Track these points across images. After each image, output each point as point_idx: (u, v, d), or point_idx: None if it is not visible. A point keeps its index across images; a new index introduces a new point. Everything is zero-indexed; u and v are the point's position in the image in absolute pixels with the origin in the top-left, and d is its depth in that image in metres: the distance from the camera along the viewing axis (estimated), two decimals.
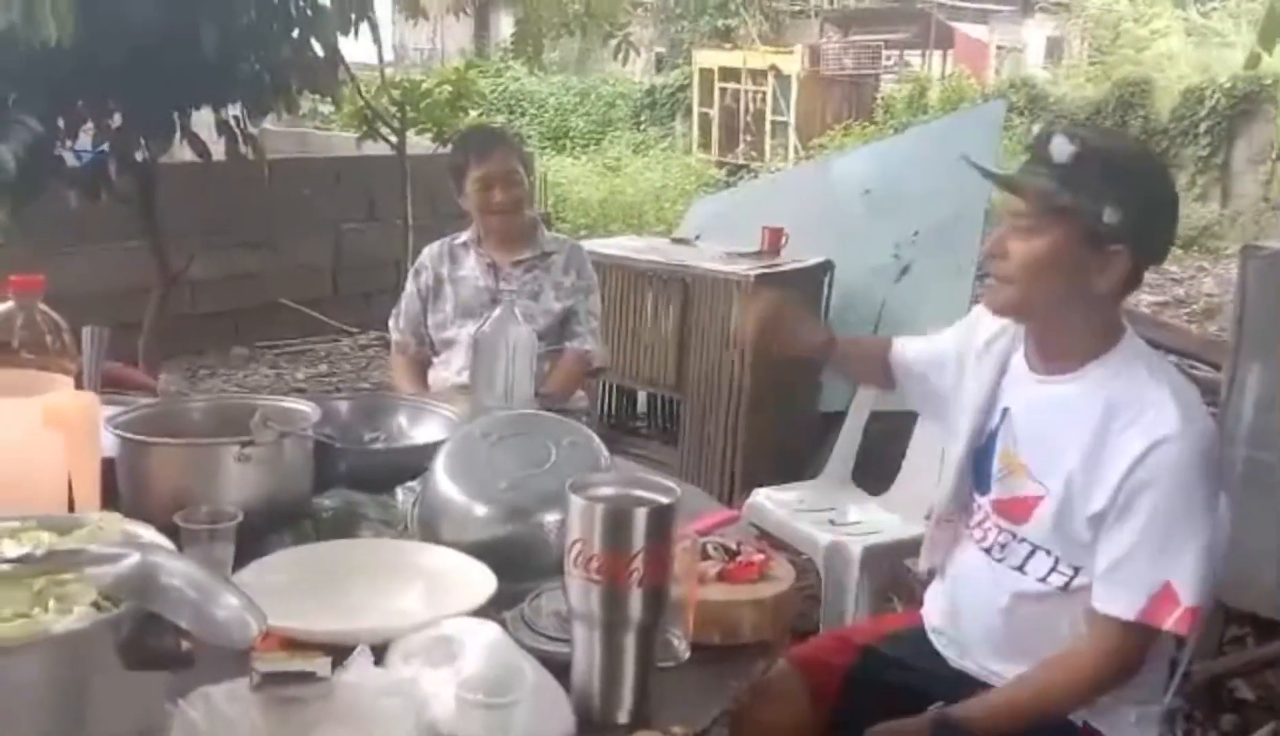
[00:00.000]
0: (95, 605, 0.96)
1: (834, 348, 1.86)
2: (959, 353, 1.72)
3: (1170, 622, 1.41)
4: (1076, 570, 1.50)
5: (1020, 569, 1.54)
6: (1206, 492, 1.43)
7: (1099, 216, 1.44)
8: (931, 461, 2.63)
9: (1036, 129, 1.71)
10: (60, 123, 3.57)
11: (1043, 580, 1.52)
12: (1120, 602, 1.43)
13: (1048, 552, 1.52)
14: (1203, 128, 12.50)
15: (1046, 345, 1.56)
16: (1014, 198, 1.51)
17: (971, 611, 1.61)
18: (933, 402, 1.80)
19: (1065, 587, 1.50)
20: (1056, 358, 1.54)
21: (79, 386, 1.61)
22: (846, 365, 2.04)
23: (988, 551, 1.58)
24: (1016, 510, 1.54)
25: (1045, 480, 1.51)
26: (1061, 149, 1.46)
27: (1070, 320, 1.52)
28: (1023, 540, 1.54)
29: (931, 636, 1.70)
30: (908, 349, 1.84)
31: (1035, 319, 1.55)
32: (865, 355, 1.98)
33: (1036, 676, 1.50)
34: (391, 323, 2.92)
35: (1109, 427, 1.46)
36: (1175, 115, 12.89)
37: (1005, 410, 1.59)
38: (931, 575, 1.75)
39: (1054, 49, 20.67)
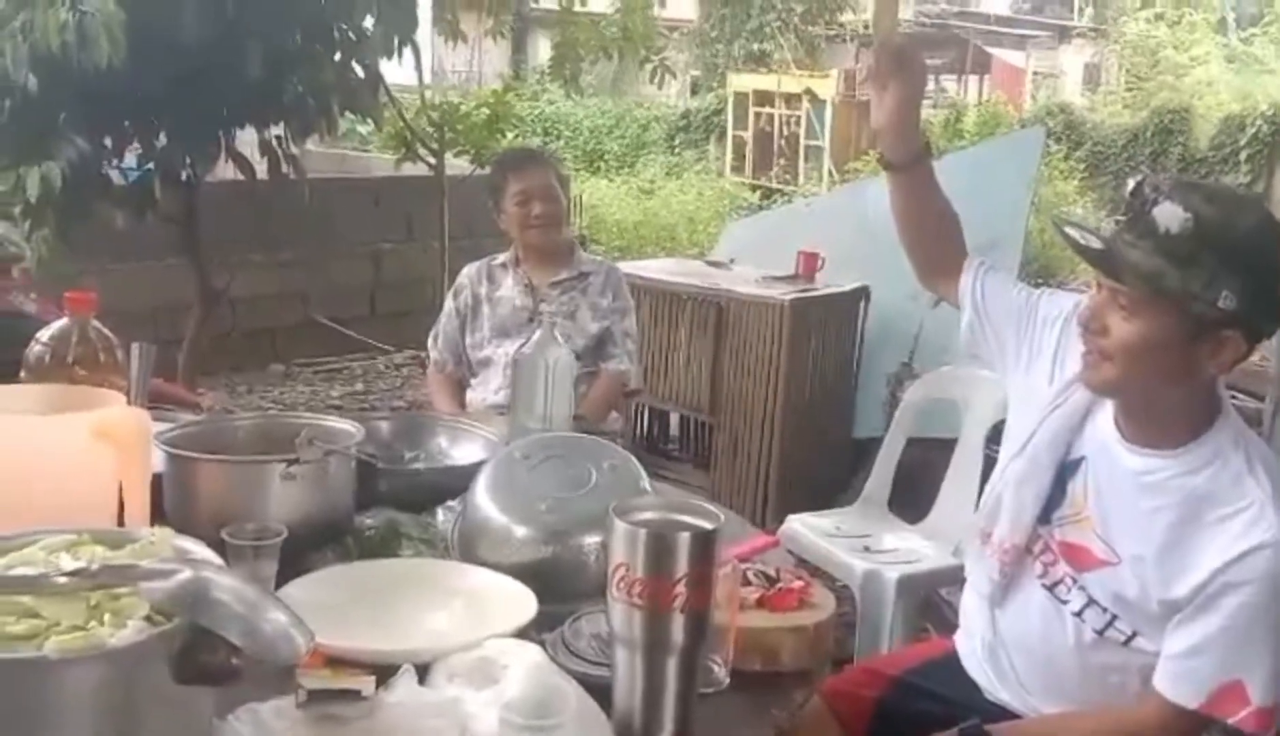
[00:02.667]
0: (148, 619, 0.97)
1: (920, 158, 1.62)
2: (1018, 333, 1.60)
3: (1237, 719, 1.35)
4: (1135, 633, 1.44)
5: (1079, 615, 1.48)
6: None
7: (1213, 302, 1.28)
8: (969, 491, 2.62)
9: (1131, 184, 1.39)
10: (107, 142, 3.65)
11: (1099, 633, 1.46)
12: (1185, 690, 1.38)
13: (1104, 610, 1.46)
14: (1243, 155, 12.38)
15: (1137, 418, 1.44)
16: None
17: (1020, 643, 1.57)
18: (989, 345, 1.64)
19: (1123, 644, 1.46)
20: (1147, 430, 1.43)
21: (128, 402, 1.64)
22: (918, 204, 1.72)
23: (1050, 589, 1.51)
24: (1078, 557, 1.48)
25: (1112, 544, 1.44)
26: (1170, 217, 1.29)
27: (1169, 401, 1.40)
28: (1082, 588, 1.47)
29: (966, 661, 1.67)
30: (990, 275, 1.66)
31: (1132, 399, 1.43)
32: (946, 214, 1.70)
33: (1083, 726, 1.48)
34: (430, 342, 2.95)
35: (1200, 516, 1.36)
36: (1215, 143, 12.78)
37: (1083, 458, 1.49)
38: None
39: (1091, 75, 20.59)
